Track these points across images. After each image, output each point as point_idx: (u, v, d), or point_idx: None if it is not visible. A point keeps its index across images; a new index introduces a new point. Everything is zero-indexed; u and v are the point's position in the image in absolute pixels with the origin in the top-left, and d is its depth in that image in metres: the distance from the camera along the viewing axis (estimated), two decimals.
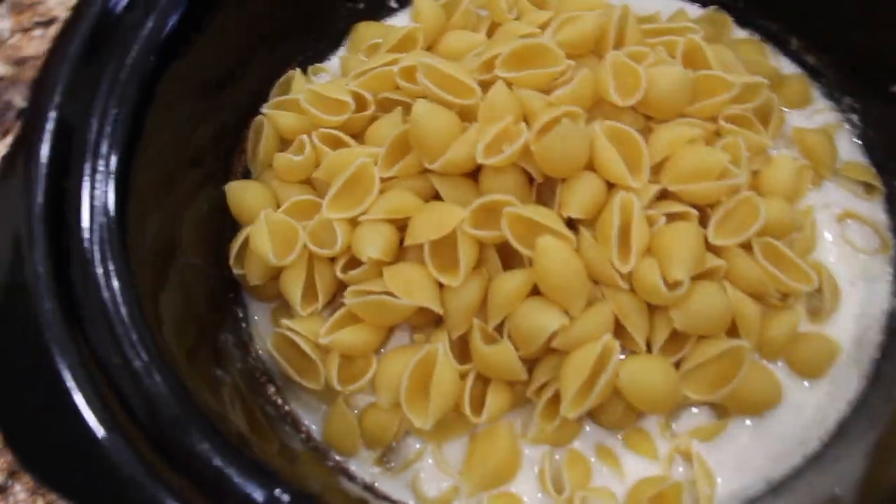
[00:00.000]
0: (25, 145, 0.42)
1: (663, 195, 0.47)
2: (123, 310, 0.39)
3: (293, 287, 0.47)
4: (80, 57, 0.43)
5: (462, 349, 0.46)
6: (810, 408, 0.47)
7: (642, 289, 0.44)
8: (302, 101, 0.50)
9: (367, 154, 0.48)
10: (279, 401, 0.48)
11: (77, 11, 0.44)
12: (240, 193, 0.50)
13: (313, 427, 0.48)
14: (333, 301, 0.49)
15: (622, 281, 0.44)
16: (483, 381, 0.45)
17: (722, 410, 0.47)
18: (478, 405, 0.45)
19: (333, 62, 0.59)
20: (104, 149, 0.42)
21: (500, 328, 0.46)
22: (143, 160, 0.43)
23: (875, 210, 0.53)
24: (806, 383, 0.48)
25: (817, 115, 0.56)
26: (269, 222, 0.47)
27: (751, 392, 0.45)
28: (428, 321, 0.47)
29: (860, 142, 0.55)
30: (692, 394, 0.45)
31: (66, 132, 0.42)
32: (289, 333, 0.47)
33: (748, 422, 0.47)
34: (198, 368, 0.42)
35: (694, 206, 0.46)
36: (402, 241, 0.46)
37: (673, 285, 0.43)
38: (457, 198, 0.47)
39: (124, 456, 0.36)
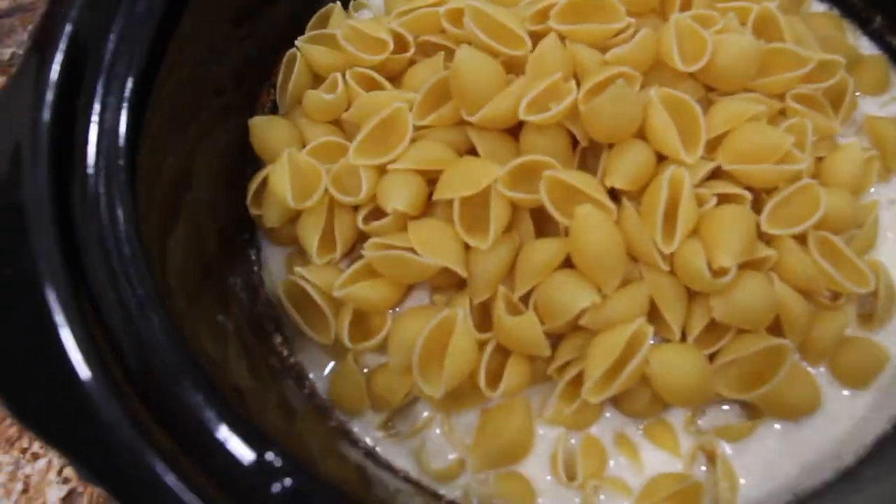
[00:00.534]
0: (37, 56, 0.39)
1: (715, 174, 0.44)
2: (124, 242, 0.36)
3: (310, 233, 0.44)
4: None
5: (482, 317, 0.43)
6: (848, 419, 0.44)
7: (684, 273, 0.41)
8: (339, 36, 0.47)
9: (403, 99, 0.45)
10: (285, 352, 0.46)
11: None
12: (264, 129, 0.48)
13: (318, 383, 0.45)
14: (351, 252, 0.46)
15: (663, 262, 0.41)
16: (502, 352, 0.43)
17: (752, 411, 0.44)
18: (493, 378, 0.42)
19: None
20: (120, 69, 0.39)
21: (524, 299, 0.43)
22: (162, 85, 0.40)
23: None
24: (847, 392, 0.45)
25: (894, 103, 0.51)
26: (292, 162, 0.44)
27: (788, 395, 0.42)
28: (449, 283, 0.44)
29: None
30: (726, 391, 0.42)
31: (81, 47, 0.39)
32: (301, 282, 0.44)
33: (779, 426, 0.44)
34: (200, 312, 0.40)
35: (748, 188, 0.43)
36: (430, 196, 0.43)
37: (718, 272, 0.40)
38: (493, 154, 0.44)
39: (107, 401, 0.33)
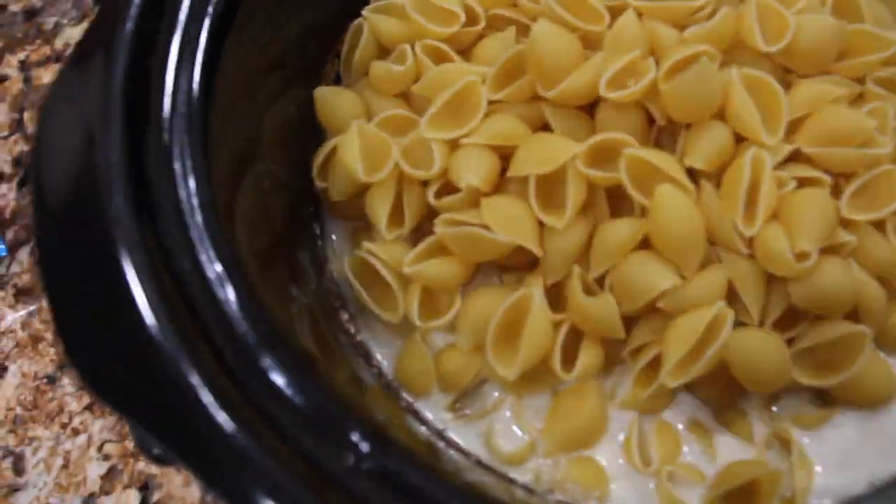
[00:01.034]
0: (111, 16, 0.38)
1: (793, 157, 0.42)
2: (198, 211, 0.35)
3: (380, 207, 0.43)
4: None
5: (554, 297, 0.42)
6: None
7: (765, 256, 0.40)
8: (408, 6, 0.46)
9: (475, 73, 0.43)
10: (351, 329, 0.45)
11: None
12: (330, 100, 0.46)
13: (385, 363, 0.44)
14: (419, 229, 0.45)
15: (743, 245, 0.40)
16: (575, 334, 0.42)
17: (825, 398, 0.43)
18: (565, 360, 0.41)
19: None
20: (193, 29, 0.38)
21: (599, 280, 0.42)
22: (234, 47, 0.39)
23: None
24: None
25: None
26: (361, 134, 0.43)
27: (865, 383, 0.41)
28: (521, 262, 0.43)
29: None
30: (803, 377, 0.41)
31: (155, 5, 0.38)
32: (369, 258, 0.43)
33: (854, 414, 0.43)
34: (272, 284, 0.39)
35: (827, 172, 0.42)
36: (503, 172, 0.42)
37: (799, 256, 0.39)
38: (569, 131, 0.42)
39: (183, 366, 0.32)
